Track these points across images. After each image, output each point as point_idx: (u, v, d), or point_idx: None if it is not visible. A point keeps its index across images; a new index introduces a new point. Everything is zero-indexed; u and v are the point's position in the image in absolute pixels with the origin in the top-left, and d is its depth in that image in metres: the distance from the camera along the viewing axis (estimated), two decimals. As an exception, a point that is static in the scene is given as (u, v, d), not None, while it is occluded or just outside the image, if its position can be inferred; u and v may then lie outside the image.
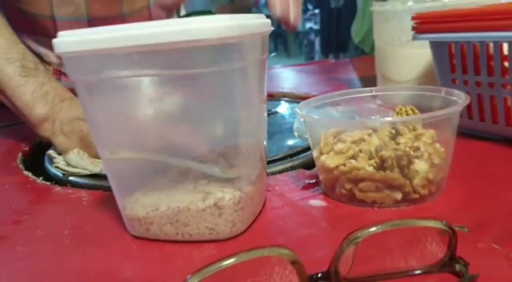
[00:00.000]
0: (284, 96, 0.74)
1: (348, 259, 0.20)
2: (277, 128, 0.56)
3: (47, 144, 0.50)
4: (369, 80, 0.77)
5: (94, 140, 0.29)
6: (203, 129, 0.28)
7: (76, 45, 0.25)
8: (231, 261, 0.18)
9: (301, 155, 0.43)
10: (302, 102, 0.36)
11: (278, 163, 0.41)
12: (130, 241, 0.28)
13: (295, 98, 0.72)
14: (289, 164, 0.41)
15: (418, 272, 0.21)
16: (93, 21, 0.63)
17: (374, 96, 0.39)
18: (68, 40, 0.25)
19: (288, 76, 0.97)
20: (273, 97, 0.74)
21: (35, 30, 0.64)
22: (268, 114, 0.60)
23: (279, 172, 0.39)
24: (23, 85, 0.43)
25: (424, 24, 0.44)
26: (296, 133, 0.52)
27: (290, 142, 0.49)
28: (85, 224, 0.30)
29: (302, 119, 0.52)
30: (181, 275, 0.23)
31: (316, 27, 3.94)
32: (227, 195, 0.27)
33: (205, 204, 0.27)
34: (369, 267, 0.21)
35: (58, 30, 0.62)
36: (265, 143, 0.32)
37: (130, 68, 0.25)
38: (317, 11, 3.99)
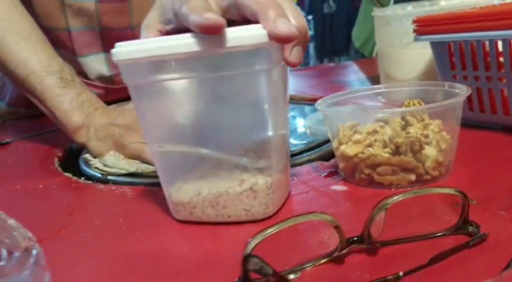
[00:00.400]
0: (291, 98, 0.78)
1: (378, 224, 0.24)
2: (289, 127, 0.60)
3: (78, 150, 0.54)
4: (372, 81, 0.81)
5: (144, 135, 0.32)
6: (236, 126, 0.32)
7: (131, 54, 0.28)
8: (285, 223, 0.21)
9: (317, 149, 0.47)
10: (320, 101, 0.40)
11: (297, 157, 0.45)
12: (179, 225, 0.32)
13: (302, 100, 0.76)
14: (307, 158, 0.45)
15: (437, 234, 0.25)
16: (103, 31, 0.67)
17: (377, 95, 0.43)
18: (124, 50, 0.29)
19: (291, 81, 1.00)
20: (281, 100, 0.77)
21: (54, 43, 0.68)
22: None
23: (299, 165, 0.43)
24: (62, 96, 0.47)
25: (425, 26, 0.48)
26: (308, 131, 0.56)
27: (304, 139, 0.53)
28: (135, 213, 0.34)
29: (309, 122, 0.56)
30: (232, 248, 0.27)
31: (310, 32, 3.99)
32: (260, 180, 0.31)
33: (242, 188, 0.30)
34: (396, 232, 0.25)
35: (73, 40, 0.66)
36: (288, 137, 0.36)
37: (176, 72, 0.29)
38: (310, 17, 4.05)
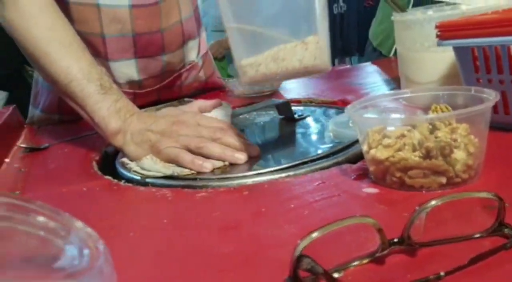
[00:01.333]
0: (311, 102, 0.79)
1: (417, 227, 0.25)
2: (312, 130, 0.62)
3: (113, 153, 0.56)
4: (390, 82, 0.82)
5: (222, 15, 0.40)
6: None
7: None
8: (330, 227, 0.23)
9: (343, 152, 0.48)
10: (349, 106, 0.42)
11: (324, 160, 0.47)
12: (221, 227, 0.34)
13: (321, 103, 0.77)
14: (334, 160, 0.46)
15: (473, 236, 0.26)
16: (136, 37, 0.69)
17: (397, 98, 0.45)
18: None
19: (309, 83, 1.02)
20: (301, 103, 0.79)
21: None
22: (300, 118, 0.66)
23: (327, 168, 0.45)
24: (101, 102, 0.49)
25: (448, 31, 0.49)
26: (331, 134, 0.58)
27: (328, 142, 0.54)
28: (177, 214, 0.36)
29: (332, 125, 0.58)
30: (273, 249, 0.29)
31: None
32: (310, 37, 0.39)
33: (296, 42, 0.39)
34: (433, 234, 0.26)
35: (107, 47, 0.69)
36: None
37: None
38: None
